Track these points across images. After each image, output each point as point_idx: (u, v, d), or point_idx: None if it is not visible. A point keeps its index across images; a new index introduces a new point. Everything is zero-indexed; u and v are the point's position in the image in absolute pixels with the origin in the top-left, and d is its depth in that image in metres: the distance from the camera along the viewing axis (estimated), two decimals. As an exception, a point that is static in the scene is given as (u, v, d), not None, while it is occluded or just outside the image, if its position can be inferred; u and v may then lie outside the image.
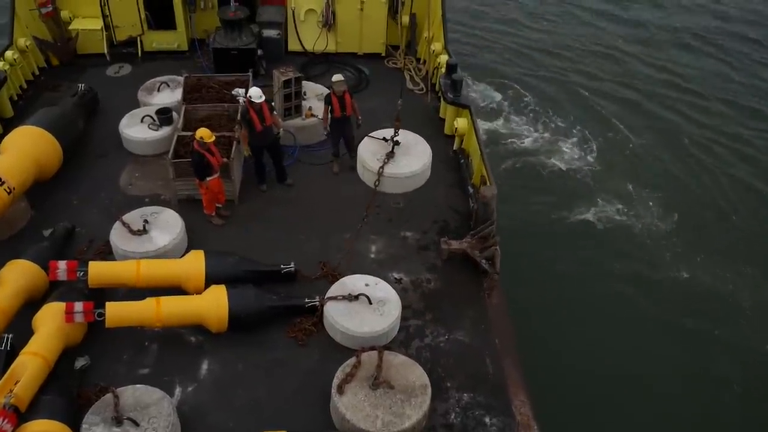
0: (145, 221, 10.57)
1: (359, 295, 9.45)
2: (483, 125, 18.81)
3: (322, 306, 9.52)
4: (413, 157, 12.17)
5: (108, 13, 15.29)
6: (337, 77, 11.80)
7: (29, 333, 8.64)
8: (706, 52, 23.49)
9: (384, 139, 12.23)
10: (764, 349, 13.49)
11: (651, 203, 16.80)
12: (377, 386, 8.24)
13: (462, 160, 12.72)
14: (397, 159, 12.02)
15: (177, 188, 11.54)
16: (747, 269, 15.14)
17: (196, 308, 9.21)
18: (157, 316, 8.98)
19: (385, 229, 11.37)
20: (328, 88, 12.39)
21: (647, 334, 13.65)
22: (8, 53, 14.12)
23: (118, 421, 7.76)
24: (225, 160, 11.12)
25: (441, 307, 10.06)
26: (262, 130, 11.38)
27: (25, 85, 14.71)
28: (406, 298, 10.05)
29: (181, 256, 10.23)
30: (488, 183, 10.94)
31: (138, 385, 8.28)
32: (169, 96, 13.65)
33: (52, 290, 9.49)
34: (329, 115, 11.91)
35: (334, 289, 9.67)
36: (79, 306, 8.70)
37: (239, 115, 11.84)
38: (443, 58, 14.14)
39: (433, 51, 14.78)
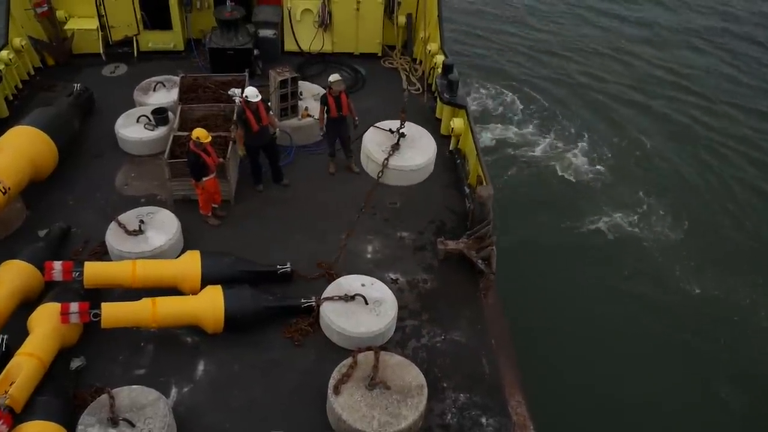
0: (141, 221, 10.55)
1: (355, 295, 9.44)
2: (490, 128, 18.88)
3: (318, 306, 9.52)
4: (418, 150, 12.14)
5: (104, 13, 15.28)
6: (335, 77, 11.77)
7: (24, 334, 8.63)
8: (715, 54, 23.32)
9: (390, 130, 12.18)
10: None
11: (660, 210, 16.61)
12: (373, 387, 8.24)
13: (458, 160, 12.72)
14: (402, 151, 11.99)
15: (173, 188, 11.52)
16: (759, 280, 14.82)
17: (192, 309, 9.20)
18: (153, 316, 8.96)
19: (382, 229, 11.36)
20: (324, 88, 12.36)
21: (647, 333, 13.68)
22: (3, 53, 14.07)
23: (113, 422, 7.75)
24: (221, 160, 11.10)
25: (437, 308, 10.06)
26: (259, 130, 11.37)
27: (20, 85, 14.67)
28: (403, 299, 10.04)
29: (177, 257, 10.21)
30: (485, 183, 10.94)
31: (134, 386, 8.26)
32: (165, 96, 13.61)
33: (48, 291, 9.46)
34: (325, 115, 11.91)
35: (331, 290, 9.66)
36: (74, 306, 8.67)
37: (235, 115, 11.81)
38: (439, 59, 14.13)
39: (429, 51, 14.78)
